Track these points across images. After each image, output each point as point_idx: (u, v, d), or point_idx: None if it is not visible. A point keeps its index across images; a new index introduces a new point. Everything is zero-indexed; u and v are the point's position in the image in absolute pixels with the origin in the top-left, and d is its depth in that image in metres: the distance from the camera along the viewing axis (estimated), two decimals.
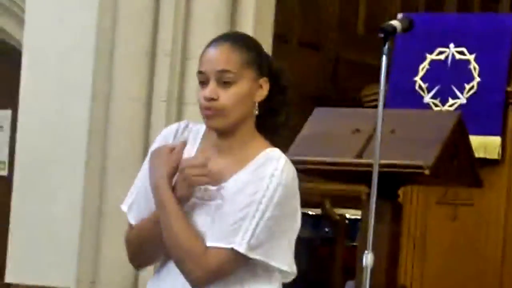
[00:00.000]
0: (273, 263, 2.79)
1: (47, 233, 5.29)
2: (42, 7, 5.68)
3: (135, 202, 3.04)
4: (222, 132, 2.84)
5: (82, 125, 5.43)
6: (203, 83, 2.85)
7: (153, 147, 3.05)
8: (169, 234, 2.79)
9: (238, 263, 2.79)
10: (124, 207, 3.04)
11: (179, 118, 5.28)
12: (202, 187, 2.89)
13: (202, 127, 2.99)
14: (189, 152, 2.99)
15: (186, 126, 3.01)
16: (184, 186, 2.73)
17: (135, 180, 3.07)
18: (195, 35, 5.33)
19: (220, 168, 2.85)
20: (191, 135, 3.01)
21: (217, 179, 2.83)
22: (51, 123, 5.48)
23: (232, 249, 2.74)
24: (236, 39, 2.86)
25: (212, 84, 2.81)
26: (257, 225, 2.81)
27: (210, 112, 2.80)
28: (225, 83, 2.80)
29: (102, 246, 5.10)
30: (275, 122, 2.90)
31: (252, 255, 2.74)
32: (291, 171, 2.74)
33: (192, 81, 4.84)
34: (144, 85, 5.43)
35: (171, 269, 2.91)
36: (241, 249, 2.73)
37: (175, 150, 2.80)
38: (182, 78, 5.42)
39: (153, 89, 5.38)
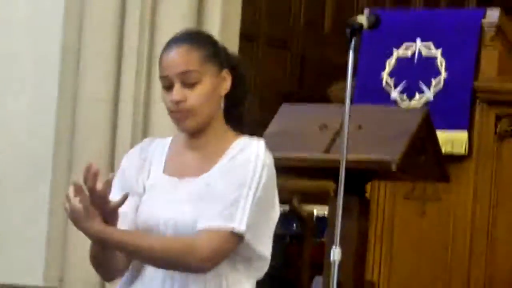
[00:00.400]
0: (260, 247, 2.81)
1: (15, 232, 5.34)
2: (8, 12, 5.70)
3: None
4: (195, 132, 2.85)
5: (49, 125, 5.49)
6: (168, 87, 2.85)
7: (120, 169, 3.08)
8: (153, 257, 2.83)
9: (235, 244, 2.80)
10: None
11: (146, 118, 5.36)
12: (185, 179, 2.87)
13: (168, 139, 3.01)
14: (158, 164, 3.00)
15: (151, 142, 3.03)
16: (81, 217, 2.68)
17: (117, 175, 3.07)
18: (161, 34, 5.39)
19: (197, 162, 2.87)
20: (158, 149, 3.03)
21: (197, 172, 2.85)
22: (18, 121, 5.54)
23: (232, 228, 2.76)
24: (191, 38, 2.87)
25: (177, 87, 2.81)
26: (251, 205, 2.82)
27: (180, 115, 2.81)
28: (189, 84, 2.81)
29: (70, 244, 5.14)
30: (240, 112, 2.92)
31: (247, 236, 2.75)
32: (270, 154, 2.79)
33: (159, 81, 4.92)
34: (110, 86, 5.48)
35: (145, 278, 2.91)
36: (242, 228, 2.74)
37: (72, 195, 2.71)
38: (149, 78, 5.50)
39: (119, 89, 5.46)
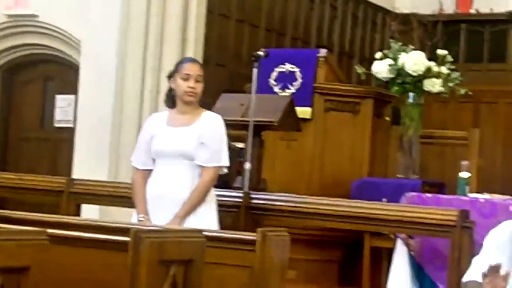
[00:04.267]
0: (226, 165, 4.31)
1: None
2: None
3: (137, 154, 4.55)
4: (191, 104, 4.39)
5: None
6: (186, 79, 4.33)
7: (144, 126, 4.33)
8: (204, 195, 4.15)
9: (222, 169, 4.31)
10: (132, 158, 4.53)
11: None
12: (181, 128, 4.24)
13: (163, 113, 4.36)
14: (161, 122, 4.42)
15: (156, 114, 4.39)
16: None
17: (139, 140, 4.46)
18: None
19: (186, 119, 4.40)
20: (157, 117, 4.44)
21: (188, 124, 4.36)
22: None
23: (222, 165, 4.21)
24: (197, 60, 4.47)
25: (192, 81, 4.30)
26: (225, 147, 4.38)
27: (192, 94, 4.33)
28: (198, 81, 4.42)
29: None
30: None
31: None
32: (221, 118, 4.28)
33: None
34: None
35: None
36: (226, 163, 4.38)
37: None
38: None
39: None
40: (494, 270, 3.49)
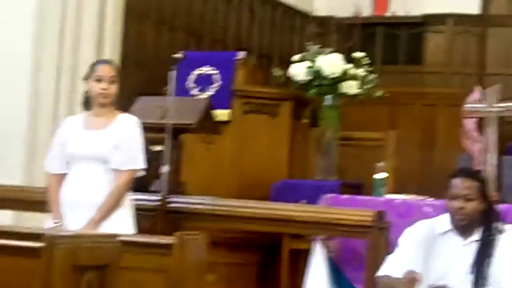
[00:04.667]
0: (142, 168, 4.37)
1: None
2: None
3: (52, 158, 4.52)
4: (105, 106, 4.39)
5: None
6: (98, 81, 4.35)
7: (59, 130, 4.25)
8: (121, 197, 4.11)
9: (139, 171, 4.34)
10: (46, 163, 4.48)
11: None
12: (97, 131, 4.19)
13: (78, 116, 4.35)
14: (76, 125, 4.40)
15: (70, 118, 4.35)
16: None
17: (53, 143, 4.39)
18: None
19: (101, 122, 4.38)
20: (73, 120, 4.43)
21: (103, 127, 4.36)
22: None
23: (138, 167, 4.28)
24: (111, 61, 4.46)
25: (105, 83, 4.29)
26: (142, 149, 4.43)
27: (105, 96, 4.32)
28: (111, 82, 4.42)
29: None
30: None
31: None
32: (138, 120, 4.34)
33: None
34: None
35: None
36: (143, 166, 4.44)
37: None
38: None
39: None
40: (409, 274, 3.60)
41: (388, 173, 6.12)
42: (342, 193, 6.06)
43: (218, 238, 5.48)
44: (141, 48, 8.32)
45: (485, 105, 5.64)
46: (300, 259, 6.09)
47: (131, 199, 4.66)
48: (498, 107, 5.60)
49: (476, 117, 5.72)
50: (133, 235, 4.22)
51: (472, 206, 4.35)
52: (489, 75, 10.18)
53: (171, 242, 3.40)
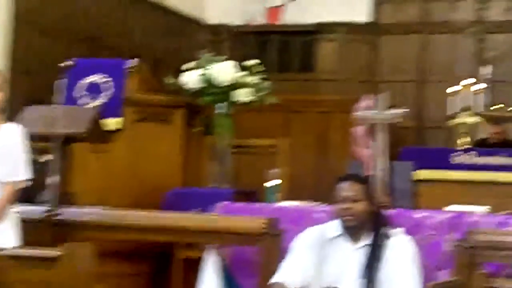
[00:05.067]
0: (27, 178, 4.29)
1: None
2: None
3: None
4: None
5: None
6: None
7: None
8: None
9: (24, 182, 4.35)
10: None
11: None
12: None
13: None
14: None
15: None
16: None
17: None
18: None
19: None
20: None
21: None
22: None
23: (23, 179, 4.27)
24: None
25: None
26: (26, 159, 4.39)
27: None
28: None
29: None
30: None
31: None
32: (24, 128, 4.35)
33: None
34: None
35: None
36: (27, 177, 4.43)
37: None
38: None
39: None
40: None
41: (281, 180, 6.16)
42: (235, 200, 6.08)
43: (107, 248, 5.39)
44: (31, 56, 8.33)
45: (374, 112, 5.74)
46: (193, 268, 5.98)
47: (14, 211, 4.60)
48: (386, 113, 5.71)
49: (366, 124, 5.67)
50: (18, 248, 4.02)
51: (360, 206, 4.39)
52: (381, 82, 10.39)
53: (56, 254, 3.25)
